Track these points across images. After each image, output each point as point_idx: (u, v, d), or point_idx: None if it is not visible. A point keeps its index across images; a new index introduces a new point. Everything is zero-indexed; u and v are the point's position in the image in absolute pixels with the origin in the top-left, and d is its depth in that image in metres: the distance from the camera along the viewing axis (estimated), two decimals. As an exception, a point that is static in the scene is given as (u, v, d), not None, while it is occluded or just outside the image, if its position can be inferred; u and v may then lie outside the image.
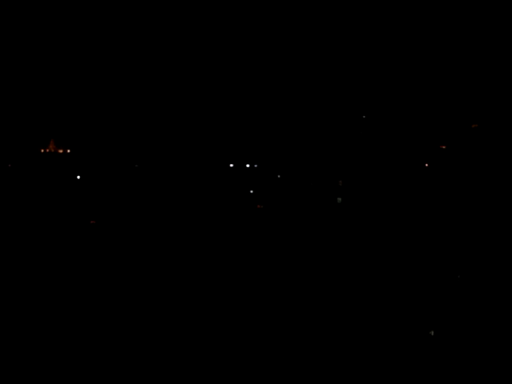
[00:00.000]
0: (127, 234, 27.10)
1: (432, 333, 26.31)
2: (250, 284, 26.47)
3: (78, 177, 27.55)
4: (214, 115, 28.77)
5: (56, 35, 26.75)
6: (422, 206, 27.38)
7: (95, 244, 26.67)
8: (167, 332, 24.48)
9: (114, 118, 28.30)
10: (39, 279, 25.48)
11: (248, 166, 28.55)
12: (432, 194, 27.39)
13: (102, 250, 26.62)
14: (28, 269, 25.67)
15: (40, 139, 27.86)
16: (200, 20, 27.61)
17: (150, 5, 26.76)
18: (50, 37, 26.64)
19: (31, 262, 25.90)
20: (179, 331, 24.62)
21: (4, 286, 24.92)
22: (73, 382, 21.43)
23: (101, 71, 27.82)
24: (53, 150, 27.73)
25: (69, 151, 28.05)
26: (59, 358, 22.71)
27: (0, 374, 20.59)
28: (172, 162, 28.46)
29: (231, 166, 28.52)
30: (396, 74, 28.06)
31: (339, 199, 28.53)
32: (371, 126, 28.44)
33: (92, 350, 23.28)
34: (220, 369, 22.87)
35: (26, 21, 25.99)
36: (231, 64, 28.44)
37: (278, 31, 27.70)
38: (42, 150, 27.75)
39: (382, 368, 23.50)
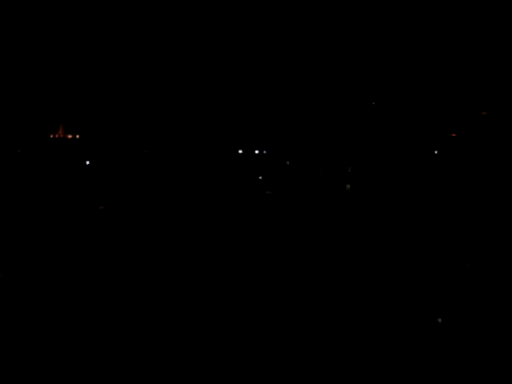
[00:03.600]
0: (137, 219, 27.16)
1: (440, 320, 26.36)
2: (257, 269, 26.55)
3: (88, 162, 27.58)
4: (223, 101, 28.72)
5: (67, 23, 26.69)
6: (430, 194, 27.36)
7: (104, 229, 26.73)
8: (172, 313, 24.56)
9: (123, 103, 28.26)
10: (47, 264, 25.60)
11: (257, 152, 28.56)
12: (441, 181, 27.35)
13: (111, 235, 26.68)
14: (36, 254, 25.79)
15: (49, 125, 27.87)
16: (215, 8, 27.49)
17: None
18: (60, 25, 26.58)
19: (40, 247, 26.00)
20: (185, 310, 24.69)
21: (11, 267, 25.05)
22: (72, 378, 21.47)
23: (109, 58, 27.74)
24: (62, 136, 27.73)
25: (78, 137, 28.09)
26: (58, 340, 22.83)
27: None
28: (181, 147, 28.46)
29: (240, 152, 28.52)
30: (406, 62, 27.92)
31: (348, 186, 28.53)
32: (381, 113, 28.37)
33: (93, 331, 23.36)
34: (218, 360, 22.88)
35: (38, 9, 25.94)
36: (241, 51, 28.32)
37: (289, 18, 27.55)
38: (51, 136, 27.76)
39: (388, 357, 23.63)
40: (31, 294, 24.44)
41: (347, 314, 24.94)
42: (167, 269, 26.08)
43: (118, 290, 25.26)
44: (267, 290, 25.86)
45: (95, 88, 27.93)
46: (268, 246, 27.14)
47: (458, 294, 25.65)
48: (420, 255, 26.38)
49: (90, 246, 26.33)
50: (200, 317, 24.41)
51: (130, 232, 26.75)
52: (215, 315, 24.52)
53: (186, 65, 28.23)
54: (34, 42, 26.61)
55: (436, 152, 27.22)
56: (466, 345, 24.14)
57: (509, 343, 23.41)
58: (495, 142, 26.53)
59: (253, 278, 26.27)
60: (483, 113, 26.53)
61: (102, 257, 26.20)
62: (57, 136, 27.67)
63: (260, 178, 28.40)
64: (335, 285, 26.04)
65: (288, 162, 28.55)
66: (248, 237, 27.32)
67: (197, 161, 28.40)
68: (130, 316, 24.06)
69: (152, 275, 25.84)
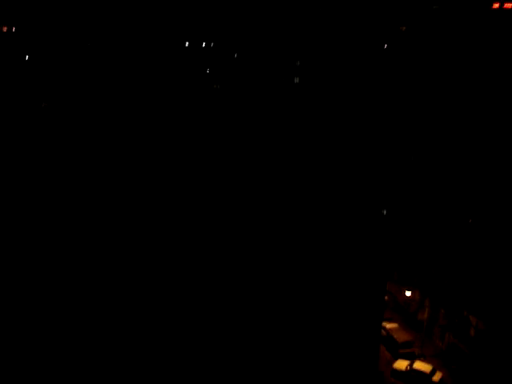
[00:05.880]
0: (79, 117, 26.40)
1: (384, 212, 27.25)
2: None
3: (27, 57, 26.22)
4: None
5: None
6: (376, 91, 27.39)
7: (47, 127, 25.93)
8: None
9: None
10: None
11: (204, 44, 27.69)
12: (390, 76, 27.34)
13: (54, 133, 25.95)
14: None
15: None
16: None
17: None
18: None
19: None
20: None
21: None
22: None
23: None
24: (-3, 29, 26.12)
25: (14, 30, 26.49)
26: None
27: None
28: (125, 39, 27.30)
29: (187, 45, 27.60)
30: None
31: (296, 79, 28.23)
32: (329, 11, 27.64)
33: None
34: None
35: None
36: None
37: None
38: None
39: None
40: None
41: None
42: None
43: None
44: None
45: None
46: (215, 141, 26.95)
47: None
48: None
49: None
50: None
51: (74, 130, 26.09)
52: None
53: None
54: None
55: (386, 46, 26.98)
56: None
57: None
58: (446, 37, 26.40)
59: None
60: (434, 7, 26.17)
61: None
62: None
63: (208, 71, 27.76)
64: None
65: (236, 55, 27.90)
66: (194, 133, 27.00)
67: (141, 55, 27.42)
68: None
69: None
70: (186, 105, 27.16)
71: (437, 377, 29.02)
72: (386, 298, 32.92)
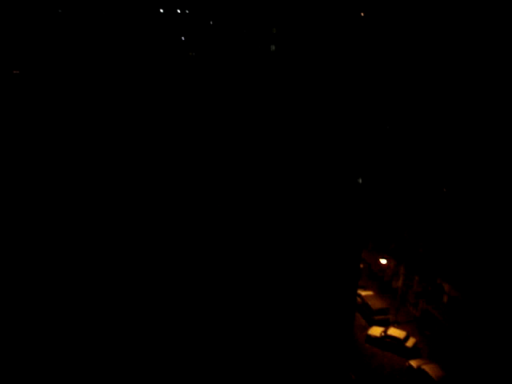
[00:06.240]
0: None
1: (360, 180, 27.36)
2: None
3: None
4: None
5: None
6: (352, 59, 27.27)
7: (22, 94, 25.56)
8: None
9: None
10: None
11: (179, 11, 27.24)
12: (369, 43, 27.21)
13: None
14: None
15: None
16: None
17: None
18: None
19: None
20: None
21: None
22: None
23: None
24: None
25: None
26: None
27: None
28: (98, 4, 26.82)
29: (162, 11, 27.13)
30: None
31: (272, 47, 27.98)
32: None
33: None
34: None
35: None
36: None
37: None
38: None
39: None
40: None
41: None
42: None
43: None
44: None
45: None
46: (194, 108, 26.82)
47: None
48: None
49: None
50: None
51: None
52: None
53: None
54: None
55: (362, 14, 26.79)
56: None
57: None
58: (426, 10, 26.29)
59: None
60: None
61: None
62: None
63: (183, 38, 27.35)
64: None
65: (211, 22, 27.50)
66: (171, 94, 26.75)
67: (115, 22, 26.94)
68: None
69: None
70: (161, 72, 26.85)
71: (410, 342, 29.57)
72: (361, 266, 33.22)
